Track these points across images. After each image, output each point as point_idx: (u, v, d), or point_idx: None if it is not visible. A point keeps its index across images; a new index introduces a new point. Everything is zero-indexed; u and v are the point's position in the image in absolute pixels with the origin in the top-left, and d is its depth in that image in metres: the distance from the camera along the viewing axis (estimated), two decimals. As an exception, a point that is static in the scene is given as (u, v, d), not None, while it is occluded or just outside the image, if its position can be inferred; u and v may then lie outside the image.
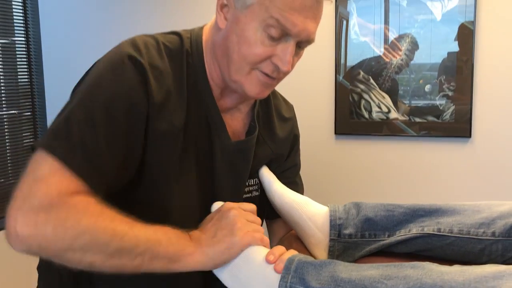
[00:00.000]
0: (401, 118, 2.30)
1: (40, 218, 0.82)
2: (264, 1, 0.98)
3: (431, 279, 0.86)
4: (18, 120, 2.86)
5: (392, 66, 2.28)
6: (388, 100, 2.30)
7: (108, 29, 2.79)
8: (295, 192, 1.24)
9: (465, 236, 1.07)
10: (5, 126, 2.77)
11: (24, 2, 2.85)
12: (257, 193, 1.27)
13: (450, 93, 2.21)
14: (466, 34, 2.16)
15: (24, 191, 0.85)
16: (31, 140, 2.93)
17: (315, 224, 1.18)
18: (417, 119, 2.27)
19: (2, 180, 2.75)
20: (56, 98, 2.94)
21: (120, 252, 0.86)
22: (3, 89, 2.76)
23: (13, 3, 2.80)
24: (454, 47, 2.18)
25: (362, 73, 2.33)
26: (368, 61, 2.32)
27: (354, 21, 2.32)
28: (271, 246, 1.00)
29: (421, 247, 1.11)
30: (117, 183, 0.98)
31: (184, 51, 1.09)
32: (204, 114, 1.11)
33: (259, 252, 0.96)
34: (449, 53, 2.19)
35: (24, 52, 2.89)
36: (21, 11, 2.85)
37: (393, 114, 2.31)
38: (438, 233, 1.09)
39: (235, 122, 1.20)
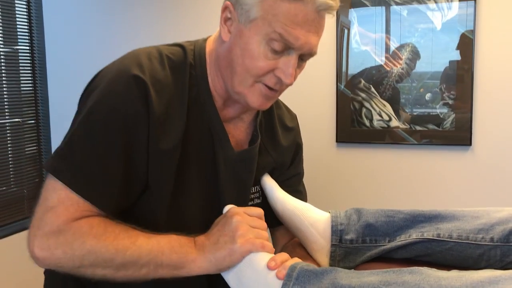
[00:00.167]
0: (402, 126, 2.31)
1: (51, 242, 0.94)
2: (267, 15, 0.99)
3: (428, 285, 0.87)
4: (21, 128, 2.87)
5: (393, 75, 2.29)
6: (389, 108, 2.32)
7: (112, 37, 2.81)
8: (296, 199, 1.25)
9: (464, 241, 1.08)
10: (8, 134, 2.78)
11: (28, 11, 2.88)
12: (259, 201, 1.28)
13: (450, 102, 2.22)
14: (467, 43, 2.18)
15: (38, 219, 0.96)
16: (35, 148, 2.94)
17: (317, 230, 1.19)
18: (418, 127, 2.29)
19: (4, 188, 2.76)
20: (60, 106, 2.96)
21: (125, 265, 0.95)
22: (6, 97, 2.77)
23: (17, 11, 2.82)
24: (454, 55, 2.20)
25: (363, 81, 2.35)
26: (369, 70, 2.34)
27: (355, 30, 2.34)
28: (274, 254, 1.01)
29: (421, 252, 1.12)
30: (126, 199, 1.04)
31: (187, 63, 1.11)
32: (206, 125, 1.12)
33: (262, 258, 0.97)
34: (450, 62, 2.21)
35: (29, 60, 2.91)
36: (25, 19, 2.87)
37: (394, 123, 2.32)
38: (437, 238, 1.10)
39: (238, 132, 1.22)
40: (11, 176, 2.80)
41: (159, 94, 1.03)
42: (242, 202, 1.19)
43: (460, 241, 1.08)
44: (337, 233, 1.17)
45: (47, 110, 2.98)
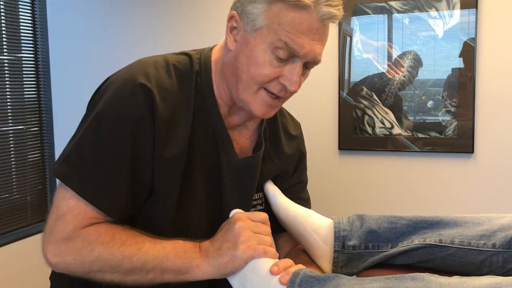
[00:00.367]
0: (404, 133, 2.32)
1: (62, 249, 0.99)
2: (272, 24, 1.01)
3: None
4: (24, 135, 2.88)
5: (395, 83, 2.30)
6: (391, 116, 2.33)
7: (116, 45, 2.83)
8: (299, 205, 1.25)
9: (466, 247, 1.09)
10: (11, 141, 2.79)
11: (33, 19, 2.90)
12: (261, 207, 1.29)
13: (452, 109, 2.23)
14: (470, 51, 2.18)
15: (50, 226, 1.01)
16: (38, 155, 2.95)
17: (320, 236, 1.19)
18: (420, 135, 2.29)
19: (7, 195, 2.76)
20: (63, 114, 2.97)
21: (132, 271, 0.98)
22: (9, 105, 2.78)
23: (22, 19, 2.84)
24: (457, 63, 2.21)
25: (365, 89, 2.36)
26: (371, 77, 2.35)
27: (357, 38, 2.35)
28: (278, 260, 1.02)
29: (423, 257, 1.12)
30: (133, 205, 1.06)
31: (193, 71, 1.13)
32: (211, 131, 1.14)
33: (265, 263, 0.98)
34: (453, 69, 2.22)
35: (32, 68, 2.92)
36: (30, 27, 2.88)
37: (396, 130, 2.33)
38: (439, 244, 1.10)
39: (243, 139, 1.23)
40: (14, 183, 2.80)
41: (165, 101, 1.05)
42: (244, 208, 1.19)
43: (462, 247, 1.09)
44: (339, 239, 1.18)
45: (50, 118, 2.99)
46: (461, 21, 2.18)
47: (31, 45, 2.91)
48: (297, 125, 1.40)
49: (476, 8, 2.16)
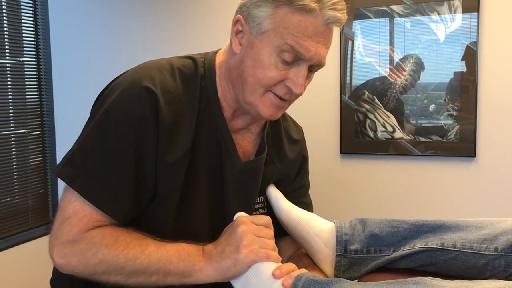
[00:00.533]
0: (406, 137, 2.31)
1: (67, 251, 1.00)
2: (278, 28, 1.03)
3: None
4: (26, 139, 2.88)
5: (397, 86, 2.30)
6: (393, 119, 2.32)
7: (118, 49, 2.83)
8: (301, 209, 1.26)
9: (468, 251, 1.08)
10: (13, 145, 2.79)
11: (35, 22, 2.90)
12: (263, 211, 1.29)
13: (454, 113, 2.22)
14: (472, 55, 2.18)
15: (56, 229, 1.03)
16: (39, 159, 2.95)
17: (322, 240, 1.19)
18: (422, 139, 2.29)
19: (9, 199, 2.76)
20: (65, 117, 2.97)
21: (135, 273, 0.99)
22: (11, 108, 2.78)
23: (24, 23, 2.84)
24: (458, 67, 2.20)
25: (367, 93, 2.35)
26: (373, 81, 2.34)
27: (359, 42, 2.35)
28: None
29: (425, 261, 1.12)
30: (137, 208, 1.07)
31: (198, 74, 1.14)
32: (215, 134, 1.15)
33: (268, 267, 0.98)
34: (455, 73, 2.22)
35: (34, 72, 2.92)
36: (32, 30, 2.89)
37: (398, 134, 2.32)
38: (441, 248, 1.10)
39: (246, 143, 1.24)
40: (16, 187, 2.80)
41: (169, 104, 1.05)
42: (247, 211, 1.20)
43: (464, 250, 1.09)
44: (342, 243, 1.18)
45: (52, 121, 2.99)
46: (462, 25, 2.18)
47: (33, 49, 2.91)
48: (299, 130, 1.40)
49: (478, 12, 2.16)
